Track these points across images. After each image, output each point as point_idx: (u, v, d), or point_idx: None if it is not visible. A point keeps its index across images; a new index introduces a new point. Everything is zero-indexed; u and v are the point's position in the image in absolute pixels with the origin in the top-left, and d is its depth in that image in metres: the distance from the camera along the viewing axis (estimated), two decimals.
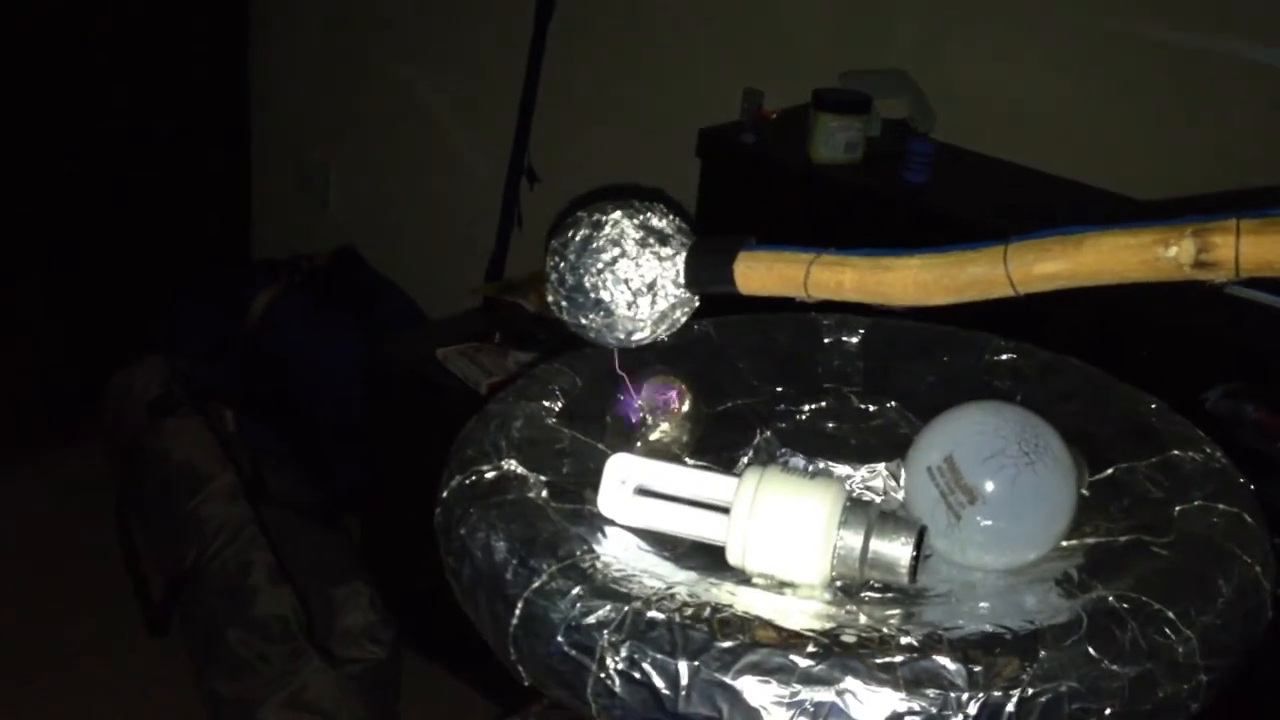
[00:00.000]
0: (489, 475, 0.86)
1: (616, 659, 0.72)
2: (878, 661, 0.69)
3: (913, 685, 0.68)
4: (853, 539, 0.77)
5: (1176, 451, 0.87)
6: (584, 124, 2.79)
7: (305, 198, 3.44)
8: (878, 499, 0.86)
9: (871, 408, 0.93)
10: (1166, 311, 1.70)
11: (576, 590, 0.75)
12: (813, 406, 0.93)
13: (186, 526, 2.42)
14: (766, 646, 0.70)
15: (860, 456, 0.87)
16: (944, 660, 0.69)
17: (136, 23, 3.11)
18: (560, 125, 2.79)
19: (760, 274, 0.87)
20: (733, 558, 0.79)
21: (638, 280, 0.90)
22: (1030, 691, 0.68)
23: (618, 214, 0.92)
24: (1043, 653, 0.70)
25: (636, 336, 0.92)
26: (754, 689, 0.69)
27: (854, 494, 0.85)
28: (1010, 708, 0.68)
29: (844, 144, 2.07)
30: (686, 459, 0.91)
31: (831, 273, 0.83)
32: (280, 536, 2.41)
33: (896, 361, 1.00)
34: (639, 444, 0.91)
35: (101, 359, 2.84)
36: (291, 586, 2.31)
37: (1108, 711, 0.69)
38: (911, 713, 0.68)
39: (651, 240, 0.91)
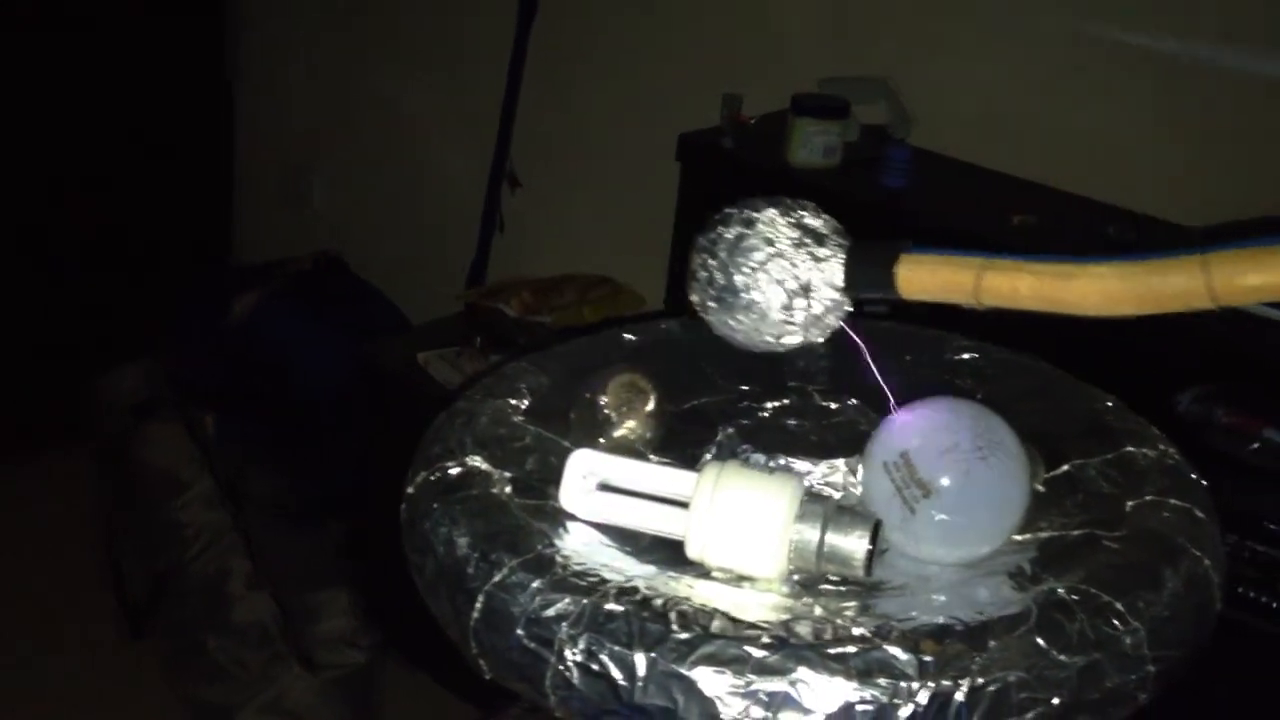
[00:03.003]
0: (453, 471, 0.88)
1: (575, 651, 0.73)
2: (830, 652, 0.70)
3: (864, 675, 0.69)
4: (809, 533, 0.78)
5: (1131, 448, 0.88)
6: (565, 129, 2.80)
7: (288, 202, 3.45)
8: (836, 494, 0.87)
9: (833, 405, 0.94)
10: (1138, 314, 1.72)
11: (536, 584, 0.76)
12: (775, 404, 0.94)
13: (167, 531, 2.43)
14: (722, 638, 0.71)
15: (820, 453, 0.88)
16: (895, 650, 0.70)
17: (119, 27, 3.12)
18: (541, 131, 2.80)
19: (924, 278, 0.83)
20: (692, 552, 0.80)
21: (793, 281, 0.87)
22: (979, 681, 0.69)
23: (772, 211, 0.88)
24: (992, 643, 0.71)
25: (787, 340, 0.89)
26: (709, 679, 0.70)
27: (811, 489, 0.86)
28: (959, 697, 0.69)
29: (822, 149, 2.09)
30: (650, 456, 0.92)
31: (1006, 279, 0.80)
32: (260, 542, 2.42)
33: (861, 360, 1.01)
34: (602, 441, 0.91)
35: (84, 363, 2.84)
36: (270, 592, 2.31)
37: (1055, 701, 0.70)
38: (863, 702, 0.69)
39: (807, 240, 0.87)
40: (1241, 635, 1.65)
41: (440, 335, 2.56)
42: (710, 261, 0.89)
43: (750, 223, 0.88)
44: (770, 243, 0.87)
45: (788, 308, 0.86)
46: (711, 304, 0.89)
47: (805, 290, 0.86)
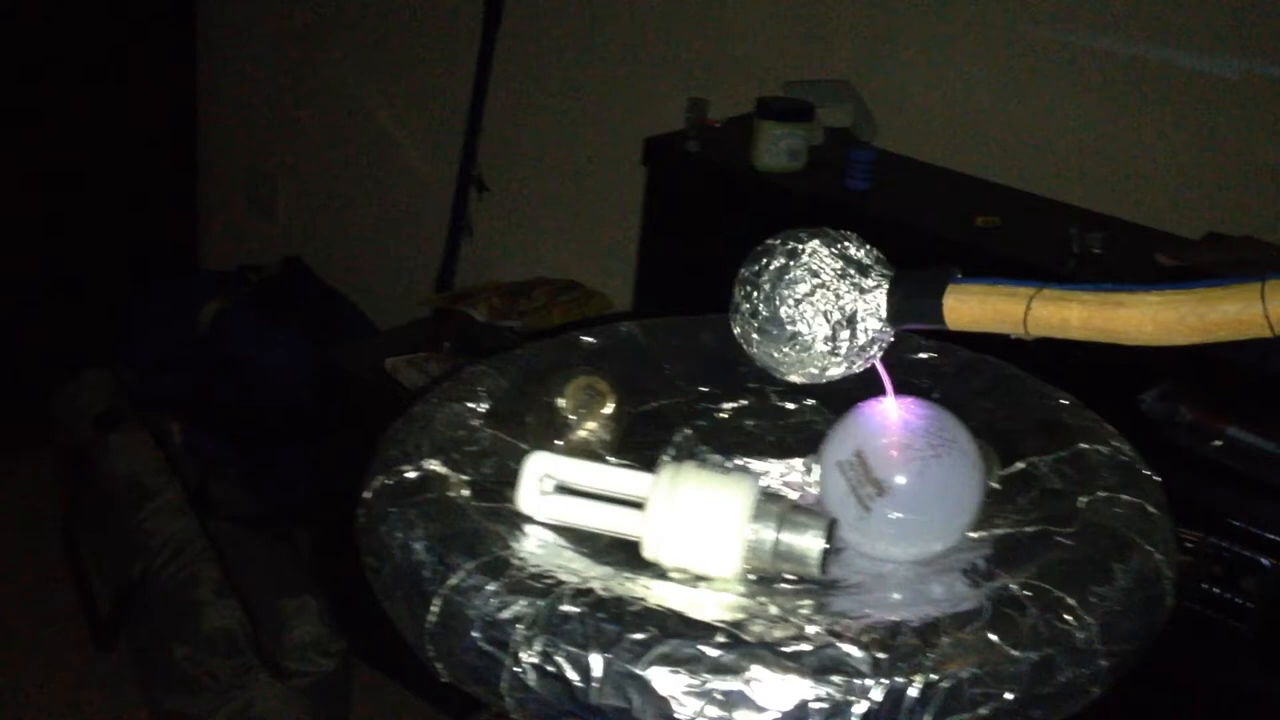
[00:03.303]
0: (410, 475, 0.88)
1: (530, 653, 0.73)
2: (785, 650, 0.71)
3: (818, 673, 0.70)
4: (764, 532, 0.78)
5: (1085, 445, 0.89)
6: (532, 134, 2.81)
7: (253, 209, 3.43)
8: (793, 494, 0.87)
9: (790, 406, 0.94)
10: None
11: (492, 586, 0.76)
12: (733, 405, 0.95)
13: (132, 540, 2.41)
14: (677, 638, 0.71)
15: (778, 453, 0.88)
16: (849, 648, 0.70)
17: (82, 32, 3.10)
18: (508, 135, 2.80)
19: (973, 308, 0.82)
20: (648, 552, 0.80)
21: (837, 313, 0.85)
22: (932, 677, 0.70)
23: (815, 243, 0.87)
24: (945, 639, 0.71)
25: (831, 372, 0.87)
26: (664, 679, 0.71)
27: (768, 489, 0.87)
28: (913, 693, 0.69)
29: (787, 152, 2.09)
30: (609, 458, 0.92)
31: (1056, 309, 0.79)
32: (227, 550, 2.40)
33: None
34: (561, 444, 0.92)
35: (48, 371, 2.82)
36: (238, 600, 2.30)
37: (1008, 696, 0.70)
38: (818, 699, 0.69)
39: (851, 271, 0.86)
40: (1207, 631, 1.67)
41: (408, 341, 2.55)
42: (754, 294, 0.88)
43: (794, 254, 0.87)
44: (815, 274, 0.86)
45: (831, 339, 0.86)
46: (755, 335, 0.88)
47: (850, 321, 0.85)
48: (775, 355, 0.88)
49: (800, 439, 0.90)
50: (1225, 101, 1.97)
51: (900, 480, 0.79)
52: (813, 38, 2.36)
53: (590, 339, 1.07)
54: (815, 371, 0.87)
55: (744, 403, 0.95)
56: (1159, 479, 0.87)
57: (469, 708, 1.63)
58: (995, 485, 0.88)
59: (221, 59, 3.38)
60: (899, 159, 2.20)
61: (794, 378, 0.89)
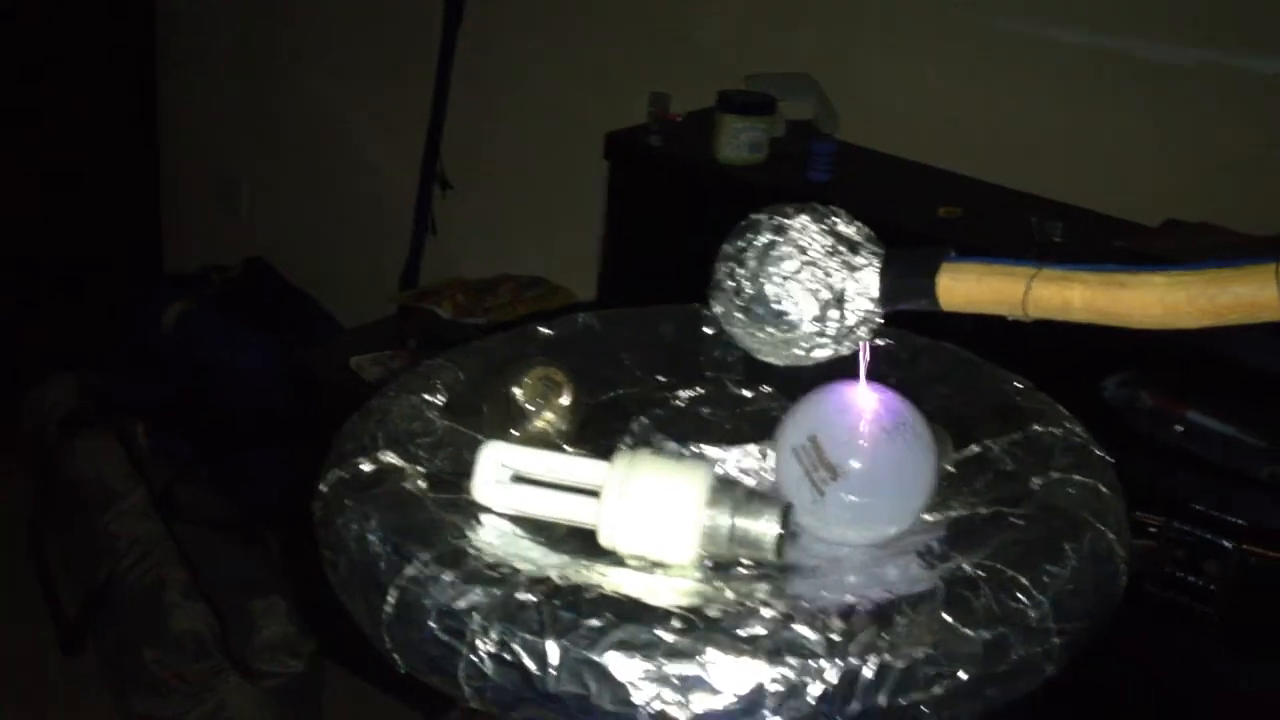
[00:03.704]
0: (366, 468, 0.87)
1: (487, 641, 0.73)
2: (740, 634, 0.71)
3: (774, 655, 0.70)
4: (720, 518, 0.79)
5: (1038, 427, 0.90)
6: (494, 130, 2.80)
7: (218, 209, 3.42)
8: (750, 480, 0.87)
9: (747, 393, 0.95)
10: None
11: (448, 577, 0.76)
12: (690, 393, 0.95)
13: (99, 544, 2.39)
14: (633, 623, 0.72)
15: (734, 440, 0.89)
16: (804, 630, 0.71)
17: (42, 35, 3.08)
18: (471, 132, 2.80)
19: (968, 288, 0.79)
20: (604, 539, 0.80)
21: (826, 291, 0.81)
22: (887, 658, 0.70)
23: (804, 218, 0.83)
24: (900, 620, 0.71)
25: (817, 353, 0.83)
26: (621, 665, 0.71)
27: (724, 475, 0.87)
28: (868, 673, 0.70)
29: (748, 144, 2.10)
30: (566, 447, 0.92)
31: (1057, 289, 0.76)
32: (195, 551, 2.39)
33: None
34: (518, 434, 0.92)
35: (13, 375, 2.80)
36: (206, 602, 2.29)
37: (962, 675, 0.71)
38: (773, 681, 0.70)
39: (841, 248, 0.82)
40: (1172, 615, 1.68)
41: (374, 339, 2.55)
42: (738, 270, 0.83)
43: (781, 229, 0.83)
44: (803, 250, 0.82)
45: (820, 319, 0.81)
46: (738, 315, 0.84)
47: (839, 301, 0.81)
48: (760, 335, 0.84)
49: (756, 426, 0.90)
50: (1182, 90, 1.99)
51: (854, 464, 0.79)
52: (773, 31, 2.36)
53: (548, 330, 1.07)
54: (801, 353, 0.83)
55: (700, 391, 0.95)
56: (1111, 459, 0.87)
57: (439, 706, 1.63)
58: (950, 469, 0.88)
59: (183, 58, 3.36)
60: (860, 151, 2.20)
61: (776, 360, 0.86)
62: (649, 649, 0.71)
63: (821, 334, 0.82)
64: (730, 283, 0.84)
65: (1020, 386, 0.96)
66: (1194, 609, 1.67)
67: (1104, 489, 0.84)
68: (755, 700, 0.70)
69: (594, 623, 0.72)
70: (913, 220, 1.96)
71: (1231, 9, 1.93)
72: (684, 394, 0.95)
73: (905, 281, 0.81)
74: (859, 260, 0.82)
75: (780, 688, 0.70)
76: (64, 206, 3.20)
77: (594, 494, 0.82)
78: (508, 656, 0.72)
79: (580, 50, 2.62)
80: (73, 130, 3.18)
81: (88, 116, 3.21)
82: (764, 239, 0.83)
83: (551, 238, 2.77)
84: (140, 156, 3.41)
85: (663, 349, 1.03)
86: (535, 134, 2.73)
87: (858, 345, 0.84)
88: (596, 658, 0.71)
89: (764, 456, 0.87)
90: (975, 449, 0.90)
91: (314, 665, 2.35)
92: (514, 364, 0.94)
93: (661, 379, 1.00)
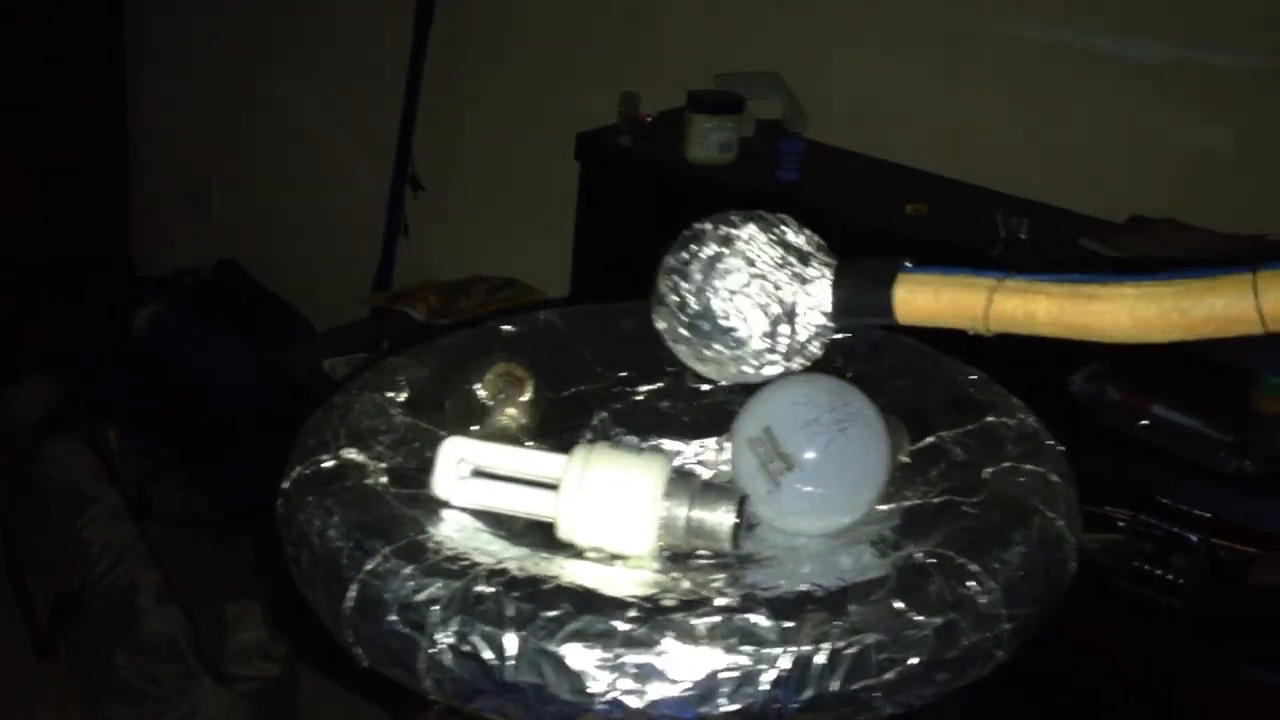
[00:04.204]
0: (328, 464, 0.88)
1: (446, 634, 0.74)
2: (695, 623, 0.72)
3: (728, 643, 0.71)
4: (677, 509, 0.80)
5: (991, 418, 0.91)
6: (466, 131, 2.81)
7: (188, 211, 3.41)
8: (707, 472, 0.88)
9: (705, 387, 0.96)
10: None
11: (408, 570, 0.77)
12: (649, 388, 0.96)
13: (72, 549, 2.39)
14: (589, 614, 0.72)
15: (692, 433, 0.90)
16: (758, 618, 0.72)
17: (10, 37, 3.06)
18: (443, 133, 2.80)
19: (927, 301, 0.75)
20: (563, 532, 0.81)
21: (776, 305, 0.78)
22: (839, 644, 0.71)
23: (751, 227, 0.80)
24: (852, 607, 0.73)
25: (767, 370, 0.81)
26: (577, 655, 0.72)
27: (681, 467, 0.88)
28: (820, 660, 0.71)
29: (718, 144, 2.11)
30: (528, 443, 0.93)
31: (1021, 301, 0.72)
32: (168, 556, 2.38)
33: None
34: (479, 430, 0.92)
35: None
36: (180, 606, 2.28)
37: (914, 661, 0.72)
38: (728, 669, 0.71)
39: (791, 259, 0.79)
40: (1138, 608, 1.70)
41: (346, 341, 2.55)
42: (683, 284, 0.80)
43: (728, 240, 0.79)
44: (751, 262, 0.78)
45: (770, 335, 0.78)
46: (683, 331, 0.80)
47: (790, 315, 0.78)
48: (707, 354, 0.80)
49: (714, 419, 0.91)
50: (1146, 87, 2.01)
51: (807, 455, 0.80)
52: (742, 30, 2.38)
53: (510, 327, 1.07)
54: (750, 371, 0.80)
55: (659, 385, 0.96)
56: (1062, 448, 0.89)
57: (414, 709, 1.63)
58: (905, 459, 0.90)
59: (153, 60, 3.36)
60: (829, 149, 2.22)
61: (723, 379, 0.82)
62: (605, 639, 0.72)
63: (772, 350, 0.79)
64: (674, 297, 0.80)
65: (975, 378, 0.97)
66: (1161, 602, 1.69)
67: (1054, 477, 0.85)
68: (710, 688, 0.71)
69: (551, 614, 0.73)
70: (881, 218, 1.97)
71: (1196, 7, 1.95)
72: (643, 388, 0.96)
73: (860, 296, 0.78)
74: (810, 272, 0.79)
75: (735, 675, 0.71)
76: (33, 208, 3.19)
77: (553, 487, 0.83)
78: (466, 648, 0.73)
79: (550, 51, 2.63)
80: (42, 132, 3.17)
81: (57, 118, 3.20)
82: (709, 250, 0.79)
83: (524, 238, 2.77)
84: (110, 158, 3.40)
85: (623, 345, 1.04)
86: (506, 135, 2.74)
87: (810, 361, 0.81)
88: (554, 648, 0.72)
89: (721, 449, 0.88)
90: (930, 440, 0.92)
91: (288, 669, 2.35)
92: (476, 360, 0.95)
93: (622, 374, 1.00)
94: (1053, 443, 0.89)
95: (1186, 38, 1.95)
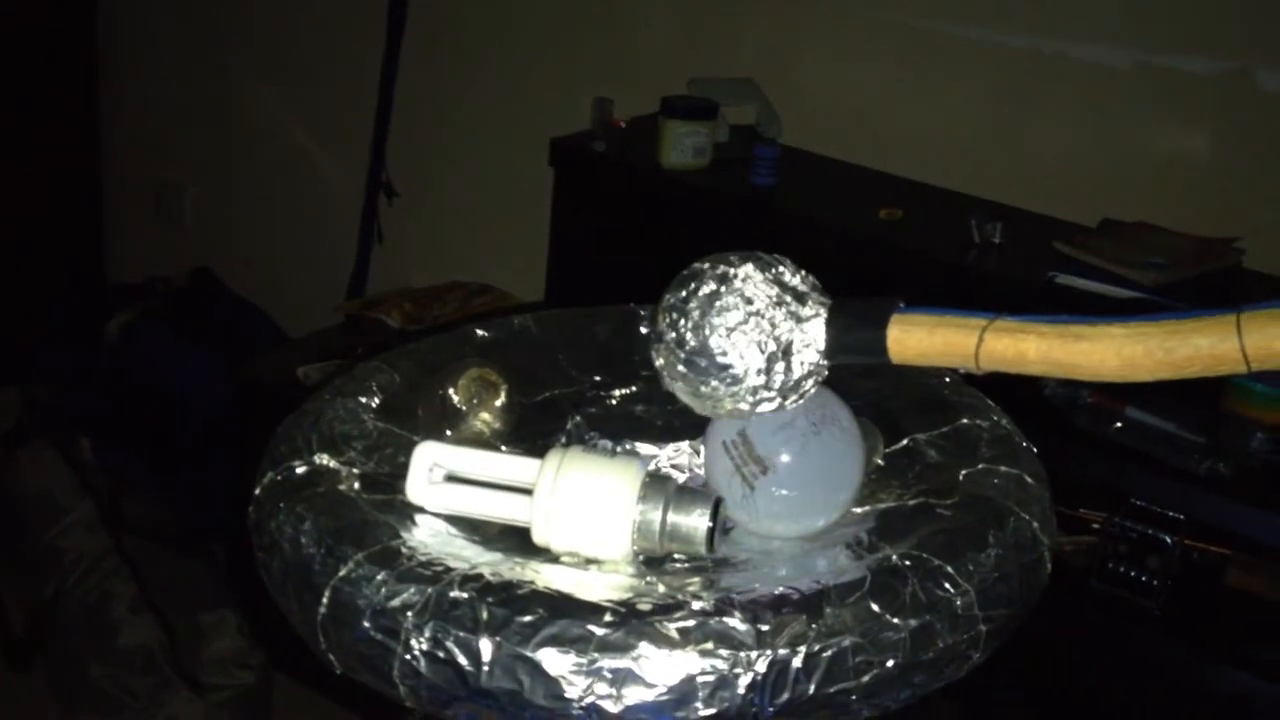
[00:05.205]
0: (300, 470, 0.88)
1: (421, 640, 0.73)
2: (671, 626, 0.72)
3: (704, 647, 0.71)
4: (652, 513, 0.79)
5: (965, 420, 0.91)
6: (440, 138, 2.80)
7: (160, 219, 3.39)
8: (682, 476, 0.88)
9: None
10: (1000, 302, 1.76)
11: (382, 576, 0.77)
12: (624, 392, 0.96)
13: (45, 559, 2.37)
14: (565, 618, 0.72)
15: (666, 436, 0.89)
16: (734, 622, 0.72)
17: None
18: (416, 140, 2.80)
19: (919, 341, 0.77)
20: (538, 537, 0.81)
21: (772, 344, 0.79)
22: (815, 647, 0.71)
23: (749, 267, 0.81)
24: (828, 610, 0.73)
25: (762, 407, 0.81)
26: (553, 660, 0.71)
27: (656, 471, 0.88)
28: (797, 663, 0.71)
29: (692, 149, 2.11)
30: (502, 447, 0.93)
31: (1011, 341, 0.74)
32: (143, 565, 2.37)
33: None
34: (453, 434, 0.92)
35: None
36: (154, 616, 2.27)
37: (890, 663, 0.72)
38: (704, 673, 0.70)
39: (787, 298, 0.80)
40: (1113, 609, 1.70)
41: (321, 349, 2.53)
42: (681, 322, 0.81)
43: (725, 279, 0.80)
44: (748, 301, 0.80)
45: (765, 372, 0.79)
46: (680, 368, 0.81)
47: (785, 353, 0.79)
48: (703, 390, 0.82)
49: (689, 422, 0.91)
50: (1117, 92, 2.02)
51: (782, 458, 0.80)
52: (716, 36, 2.38)
53: (484, 332, 1.07)
54: (745, 407, 0.81)
55: (633, 389, 0.96)
56: (1035, 450, 0.89)
57: (393, 716, 1.62)
58: (880, 462, 0.90)
59: (125, 66, 3.33)
60: (803, 154, 2.22)
61: (719, 415, 0.83)
62: (581, 644, 0.71)
63: (767, 386, 0.80)
64: (672, 334, 0.82)
65: (949, 381, 0.97)
66: (1136, 603, 1.69)
67: (1028, 479, 0.85)
68: (686, 692, 0.70)
69: (526, 619, 0.72)
70: (855, 223, 1.98)
71: (1166, 13, 1.96)
72: (618, 392, 0.96)
73: (854, 334, 0.80)
74: (806, 311, 0.80)
75: (711, 678, 0.70)
76: (2, 215, 3.16)
77: (527, 492, 0.82)
78: (441, 654, 0.73)
79: (524, 56, 2.62)
80: (11, 138, 3.14)
81: (27, 124, 3.17)
82: (707, 289, 0.81)
83: (499, 244, 2.77)
84: (81, 165, 3.37)
85: (598, 349, 1.04)
86: (480, 141, 2.74)
87: (804, 399, 0.83)
88: (529, 653, 0.71)
89: (696, 453, 0.88)
90: (905, 443, 0.92)
91: (264, 677, 2.34)
92: (449, 365, 0.95)
93: (596, 378, 1.00)
94: (1027, 445, 0.89)
95: (1157, 43, 1.97)
